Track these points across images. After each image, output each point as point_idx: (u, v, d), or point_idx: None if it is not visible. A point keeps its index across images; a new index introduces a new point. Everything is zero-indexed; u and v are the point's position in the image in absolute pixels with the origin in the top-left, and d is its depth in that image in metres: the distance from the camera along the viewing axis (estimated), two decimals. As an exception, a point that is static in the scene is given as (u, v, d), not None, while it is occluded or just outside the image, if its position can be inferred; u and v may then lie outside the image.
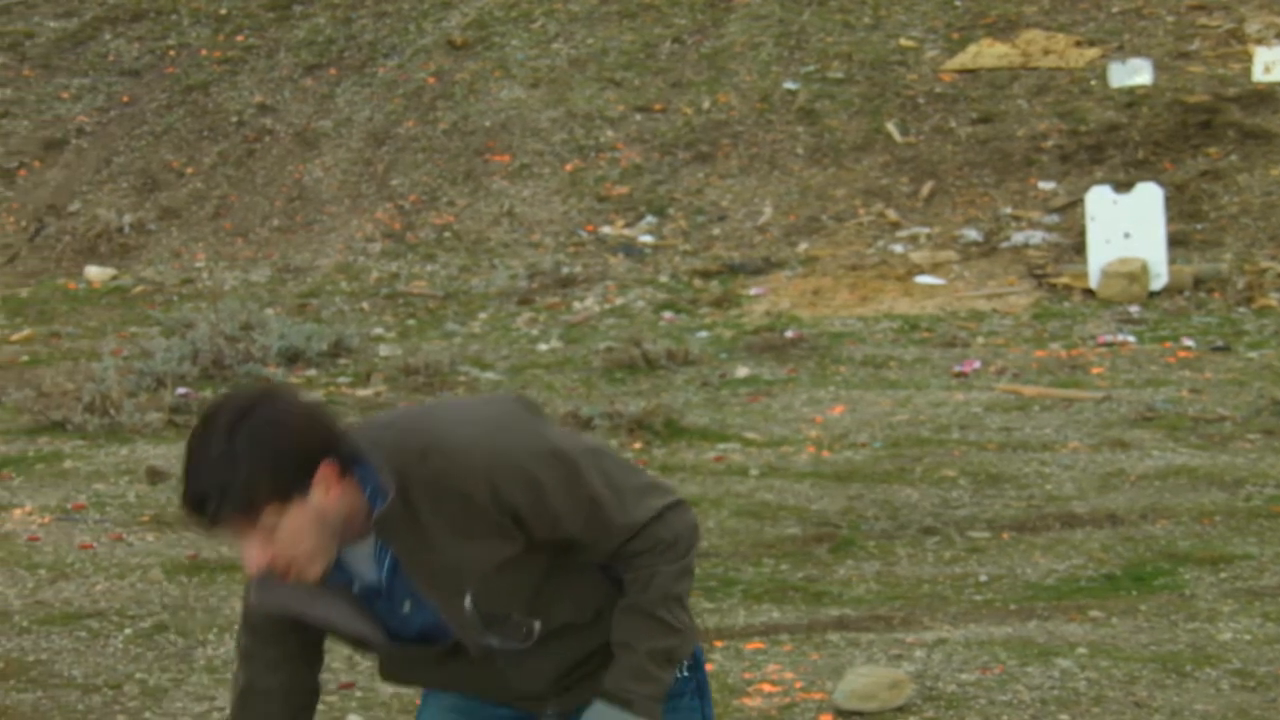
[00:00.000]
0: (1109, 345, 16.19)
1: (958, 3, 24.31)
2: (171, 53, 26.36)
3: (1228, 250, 18.86)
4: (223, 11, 27.07)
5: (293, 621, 3.51)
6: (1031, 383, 14.37)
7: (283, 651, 3.61)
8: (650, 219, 20.68)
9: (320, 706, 7.06)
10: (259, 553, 3.24)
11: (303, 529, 3.24)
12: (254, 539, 3.23)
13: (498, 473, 3.29)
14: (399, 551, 3.35)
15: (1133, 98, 21.66)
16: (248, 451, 3.16)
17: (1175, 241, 18.70)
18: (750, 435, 12.45)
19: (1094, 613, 8.21)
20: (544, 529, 3.34)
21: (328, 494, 3.26)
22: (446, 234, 21.50)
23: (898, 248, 19.94)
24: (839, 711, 6.83)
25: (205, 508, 3.18)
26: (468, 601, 3.33)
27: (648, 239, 20.23)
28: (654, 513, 3.39)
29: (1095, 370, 14.92)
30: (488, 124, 23.34)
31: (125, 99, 25.46)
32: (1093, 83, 22.15)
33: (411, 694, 7.27)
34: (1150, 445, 11.81)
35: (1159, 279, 18.02)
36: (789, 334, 16.01)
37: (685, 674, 3.53)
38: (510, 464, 3.30)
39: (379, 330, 18.05)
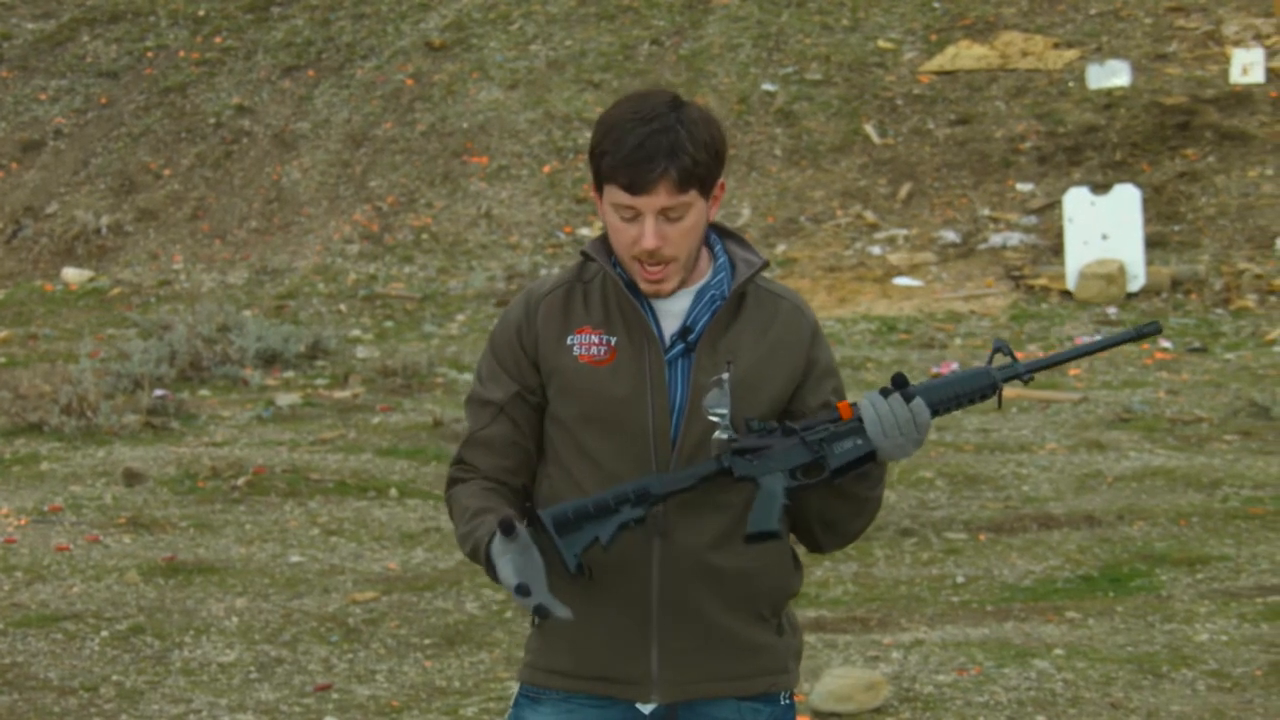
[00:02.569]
0: (1086, 347, 16.21)
1: (936, 4, 24.35)
2: (149, 54, 26.30)
3: (1205, 252, 18.91)
4: (201, 13, 27.01)
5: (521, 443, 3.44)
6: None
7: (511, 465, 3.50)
8: (629, 220, 20.64)
9: (296, 709, 7.07)
10: (656, 234, 3.24)
11: (696, 228, 3.27)
12: (658, 217, 3.23)
13: (818, 334, 3.46)
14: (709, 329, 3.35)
15: (1111, 99, 21.70)
16: (694, 130, 3.22)
17: (1153, 243, 18.75)
18: (728, 437, 12.41)
19: (1071, 614, 8.22)
20: (812, 393, 3.42)
21: (711, 209, 3.32)
22: (424, 235, 21.48)
23: (876, 249, 19.97)
24: (816, 713, 6.82)
25: (654, 165, 3.20)
26: (726, 377, 3.32)
27: (626, 240, 20.18)
28: None
29: (1072, 372, 14.95)
30: (466, 125, 23.32)
31: (103, 100, 25.40)
32: (1071, 84, 22.20)
33: (387, 696, 7.25)
34: (1127, 446, 11.83)
35: (1136, 280, 18.07)
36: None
37: (787, 701, 3.52)
38: (823, 336, 3.48)
39: (357, 332, 18.03)
